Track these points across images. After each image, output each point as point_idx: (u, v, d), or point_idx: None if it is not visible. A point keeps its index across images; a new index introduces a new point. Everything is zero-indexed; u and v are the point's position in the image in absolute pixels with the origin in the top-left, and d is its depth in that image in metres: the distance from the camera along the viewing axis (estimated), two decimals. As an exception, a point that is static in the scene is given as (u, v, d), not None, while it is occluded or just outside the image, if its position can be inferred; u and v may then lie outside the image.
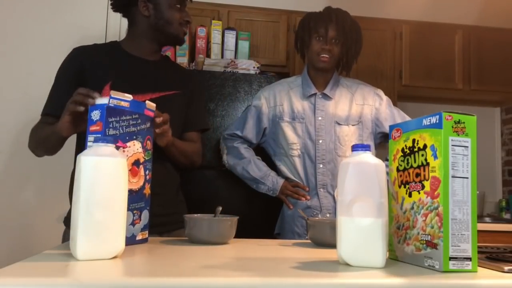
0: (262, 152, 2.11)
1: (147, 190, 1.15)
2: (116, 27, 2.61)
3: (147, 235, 1.15)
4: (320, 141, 1.91)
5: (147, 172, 1.15)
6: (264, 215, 2.39)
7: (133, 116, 1.11)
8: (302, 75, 2.02)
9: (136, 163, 1.11)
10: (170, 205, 1.51)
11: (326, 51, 1.88)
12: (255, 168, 2.00)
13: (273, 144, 2.01)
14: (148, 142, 1.16)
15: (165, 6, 1.49)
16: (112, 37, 2.56)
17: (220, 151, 2.14)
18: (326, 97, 1.95)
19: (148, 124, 1.17)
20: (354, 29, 1.93)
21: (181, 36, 1.54)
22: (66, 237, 1.45)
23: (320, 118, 1.93)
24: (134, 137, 1.11)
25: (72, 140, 1.42)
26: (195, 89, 1.65)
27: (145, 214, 1.14)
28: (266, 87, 2.10)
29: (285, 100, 1.97)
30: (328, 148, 1.89)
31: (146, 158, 1.15)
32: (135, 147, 1.11)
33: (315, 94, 1.96)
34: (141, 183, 1.13)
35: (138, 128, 1.13)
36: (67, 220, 1.46)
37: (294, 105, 1.96)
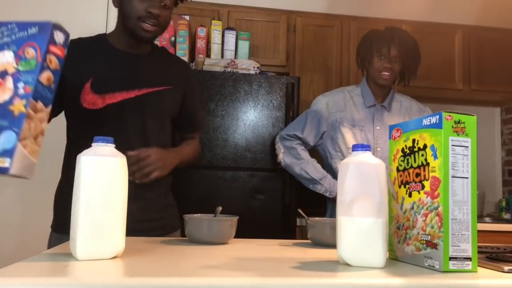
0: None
1: (18, 107, 0.91)
2: (116, 27, 2.62)
3: (7, 164, 0.87)
4: (378, 149, 2.04)
5: (21, 85, 0.92)
6: (264, 215, 2.39)
7: (9, 27, 0.96)
8: (361, 86, 2.15)
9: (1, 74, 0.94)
10: (157, 210, 1.44)
11: (388, 69, 2.02)
12: (313, 169, 2.13)
13: (330, 147, 2.11)
14: (29, 50, 0.94)
15: None
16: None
17: (276, 150, 2.25)
18: (384, 108, 2.10)
19: (33, 30, 0.95)
20: (414, 48, 2.06)
21: (138, 33, 1.35)
22: (52, 241, 1.40)
23: (378, 127, 2.07)
24: (6, 47, 0.96)
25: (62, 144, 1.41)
26: (191, 84, 1.56)
27: (8, 136, 0.89)
28: (326, 93, 2.21)
29: (346, 107, 2.10)
30: (384, 156, 1.95)
31: (21, 69, 0.93)
32: (3, 59, 0.95)
33: (374, 105, 2.09)
34: (6, 97, 0.92)
35: (13, 38, 0.96)
36: (55, 225, 1.43)
37: (354, 113, 2.08)
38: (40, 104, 0.91)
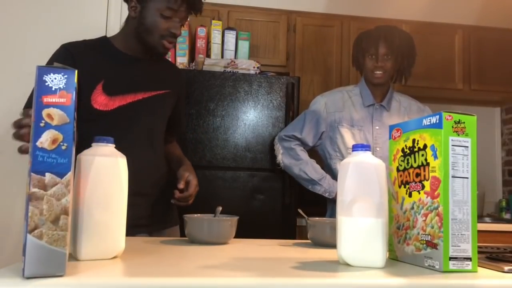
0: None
1: (27, 190, 0.71)
2: (116, 26, 2.61)
3: (22, 265, 0.68)
4: (378, 149, 2.03)
5: (28, 159, 0.72)
6: (264, 215, 2.39)
7: None
8: (360, 85, 2.13)
9: None
10: (157, 205, 1.50)
11: (379, 68, 2.01)
12: (312, 170, 2.11)
13: (329, 147, 2.10)
14: (33, 112, 0.72)
15: (151, 12, 1.36)
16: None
17: (275, 151, 2.24)
18: (383, 108, 2.09)
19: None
20: (405, 43, 2.03)
21: (159, 49, 1.42)
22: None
23: (377, 127, 2.06)
24: None
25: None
26: (182, 89, 1.64)
27: (25, 229, 0.69)
28: (325, 93, 2.20)
29: (345, 107, 2.09)
30: (384, 156, 1.95)
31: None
32: None
33: (373, 104, 2.08)
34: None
35: None
36: None
37: (353, 113, 2.07)
38: (49, 177, 0.69)
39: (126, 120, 1.40)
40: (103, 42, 1.47)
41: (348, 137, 2.05)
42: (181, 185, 1.38)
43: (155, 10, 1.36)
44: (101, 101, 1.36)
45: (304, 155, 2.14)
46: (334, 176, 2.09)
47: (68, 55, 1.37)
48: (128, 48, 1.45)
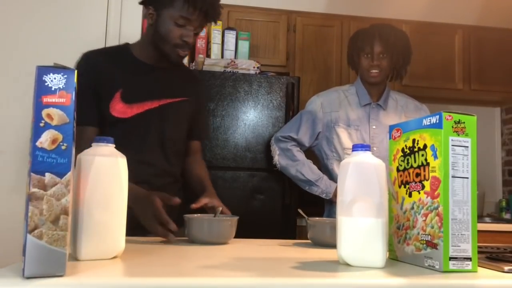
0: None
1: (26, 190, 0.71)
2: (116, 29, 2.61)
3: (23, 265, 0.69)
4: (375, 149, 2.01)
5: (28, 159, 0.73)
6: (264, 215, 2.39)
7: None
8: (356, 85, 2.12)
9: None
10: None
11: (375, 67, 2.00)
12: (309, 170, 2.09)
13: (326, 148, 2.09)
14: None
15: (165, 20, 1.38)
16: (112, 38, 2.54)
17: (271, 152, 2.23)
18: (379, 107, 2.07)
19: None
20: (400, 41, 2.01)
21: (172, 58, 1.43)
22: None
23: (374, 126, 2.04)
24: None
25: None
26: (201, 96, 1.66)
27: (24, 229, 0.70)
28: (320, 93, 2.18)
29: (341, 107, 2.07)
30: (382, 155, 1.92)
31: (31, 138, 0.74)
32: None
33: (370, 103, 2.06)
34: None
35: None
36: None
37: (349, 112, 2.05)
38: (49, 177, 0.69)
39: (142, 127, 1.44)
40: (123, 50, 1.51)
41: (345, 137, 2.03)
42: (192, 206, 1.37)
43: (169, 18, 1.38)
44: (119, 108, 1.40)
45: (300, 155, 2.13)
46: (331, 176, 2.08)
47: (89, 65, 1.41)
48: (145, 56, 1.48)
